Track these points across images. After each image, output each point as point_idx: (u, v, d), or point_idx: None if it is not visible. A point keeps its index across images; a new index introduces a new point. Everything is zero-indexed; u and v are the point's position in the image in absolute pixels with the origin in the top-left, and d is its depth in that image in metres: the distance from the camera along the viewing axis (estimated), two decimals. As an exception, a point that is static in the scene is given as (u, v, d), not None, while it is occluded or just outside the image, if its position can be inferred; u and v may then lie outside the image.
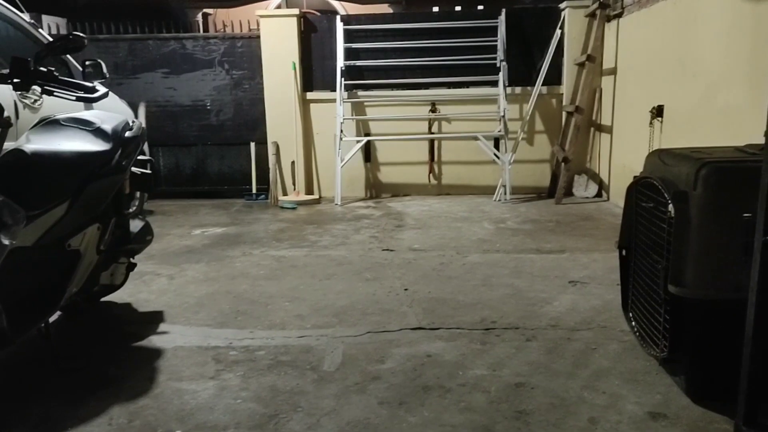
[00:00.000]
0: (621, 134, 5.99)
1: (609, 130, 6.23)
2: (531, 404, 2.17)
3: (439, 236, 4.87)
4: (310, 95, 6.84)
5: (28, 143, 2.53)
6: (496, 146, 6.56)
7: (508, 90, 6.52)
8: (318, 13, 7.23)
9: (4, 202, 2.13)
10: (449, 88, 6.75)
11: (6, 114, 2.15)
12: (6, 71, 2.19)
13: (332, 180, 6.58)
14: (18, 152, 2.40)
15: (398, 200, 6.64)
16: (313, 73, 6.88)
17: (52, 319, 2.76)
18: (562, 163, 6.32)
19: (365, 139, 6.68)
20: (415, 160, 6.88)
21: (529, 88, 6.66)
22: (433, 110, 6.79)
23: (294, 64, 6.65)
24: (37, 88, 2.32)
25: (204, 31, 8.20)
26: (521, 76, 6.68)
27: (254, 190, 6.85)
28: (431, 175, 6.90)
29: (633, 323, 2.63)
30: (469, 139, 6.59)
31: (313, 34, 6.83)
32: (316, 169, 6.96)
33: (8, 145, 2.25)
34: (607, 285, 3.47)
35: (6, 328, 2.18)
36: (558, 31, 6.55)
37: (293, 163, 6.81)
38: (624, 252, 2.70)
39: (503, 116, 6.37)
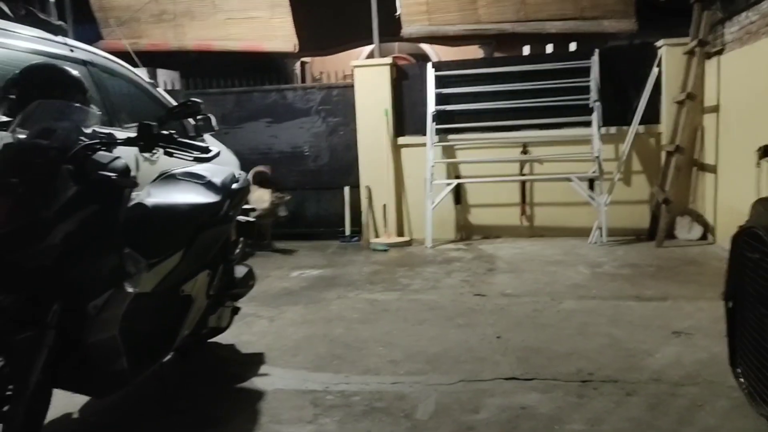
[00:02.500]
0: (726, 174, 5.71)
1: (713, 169, 5.96)
2: (632, 464, 2.10)
3: (533, 281, 4.81)
4: (401, 140, 7.01)
5: (148, 197, 2.78)
6: (591, 187, 6.42)
7: (603, 130, 6.40)
8: (412, 59, 7.43)
9: (130, 254, 2.36)
10: (541, 129, 6.71)
11: (132, 174, 2.39)
12: (134, 135, 2.45)
13: (423, 222, 6.66)
14: (140, 206, 2.64)
15: (489, 242, 6.62)
16: (405, 118, 7.05)
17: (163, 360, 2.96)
18: (663, 205, 6.08)
19: (456, 181, 6.74)
20: (507, 202, 6.85)
21: (624, 127, 6.50)
22: (525, 152, 6.76)
23: (386, 110, 6.86)
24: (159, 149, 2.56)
25: (302, 80, 8.63)
26: (616, 115, 6.54)
27: (348, 232, 7.05)
28: (523, 216, 6.84)
29: (741, 379, 2.49)
30: (562, 180, 6.49)
31: (404, 81, 7.03)
32: (407, 212, 7.08)
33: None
34: (715, 336, 3.29)
35: (126, 370, 2.38)
36: (655, 69, 6.39)
37: (385, 206, 6.96)
38: (731, 303, 2.58)
39: (598, 156, 6.25)
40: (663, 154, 6.46)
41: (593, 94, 6.45)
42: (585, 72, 6.52)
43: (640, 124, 6.41)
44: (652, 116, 6.49)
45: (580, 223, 6.55)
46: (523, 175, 6.79)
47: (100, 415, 2.71)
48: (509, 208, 6.86)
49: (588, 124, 6.44)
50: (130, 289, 2.34)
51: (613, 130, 6.57)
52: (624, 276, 4.83)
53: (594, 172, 6.28)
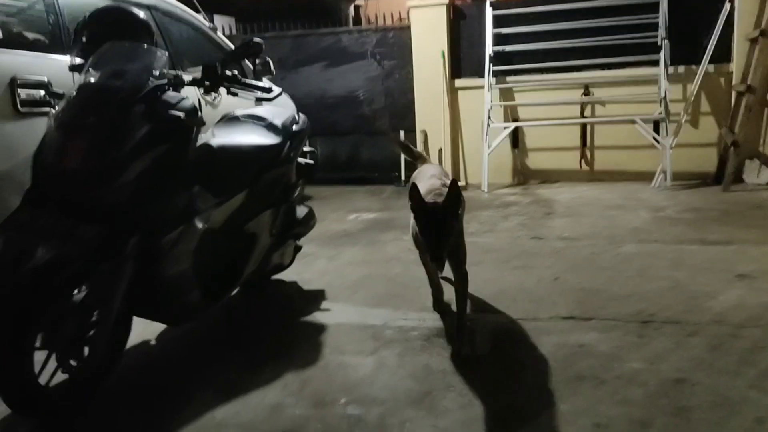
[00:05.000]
0: (803, 114, 5.41)
1: (788, 110, 5.65)
2: (692, 401, 2.11)
3: (591, 225, 4.74)
4: (458, 83, 6.90)
5: (213, 138, 2.87)
6: (656, 130, 6.20)
7: (670, 69, 6.13)
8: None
9: (199, 191, 2.46)
10: (604, 69, 6.47)
11: (199, 114, 2.46)
12: (199, 76, 2.50)
13: (479, 167, 6.61)
14: (207, 147, 2.73)
15: (547, 187, 6.52)
16: (462, 60, 6.92)
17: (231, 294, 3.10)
18: (731, 147, 5.84)
19: (513, 125, 6.62)
20: (566, 146, 6.71)
21: (693, 66, 6.21)
22: (587, 93, 6.56)
23: (443, 52, 6.74)
24: (222, 90, 2.62)
25: (355, 23, 8.54)
26: (684, 54, 6.24)
27: (403, 177, 7.07)
28: (583, 160, 6.69)
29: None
30: (625, 122, 6.29)
31: (461, 21, 6.87)
32: (463, 156, 7.03)
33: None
34: (782, 281, 3.21)
35: (198, 301, 2.52)
36: (727, 5, 6.02)
37: (440, 150, 6.92)
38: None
39: (664, 97, 6.01)
40: (733, 95, 6.16)
41: (661, 31, 6.15)
42: (652, 8, 6.21)
43: (709, 63, 6.10)
44: (722, 55, 6.16)
45: (643, 167, 6.37)
46: (584, 117, 6.61)
47: (175, 343, 2.88)
48: (568, 152, 6.72)
49: (654, 63, 6.17)
50: (199, 225, 2.46)
51: (680, 69, 6.29)
52: (687, 220, 4.71)
53: (659, 113, 6.06)
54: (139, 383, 2.49)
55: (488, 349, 2.62)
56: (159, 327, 2.87)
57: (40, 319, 2.02)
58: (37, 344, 2.04)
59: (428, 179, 2.72)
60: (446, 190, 2.37)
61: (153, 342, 2.86)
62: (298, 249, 3.58)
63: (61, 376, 2.14)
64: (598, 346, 2.59)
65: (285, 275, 3.67)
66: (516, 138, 6.78)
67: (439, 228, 2.30)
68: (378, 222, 5.29)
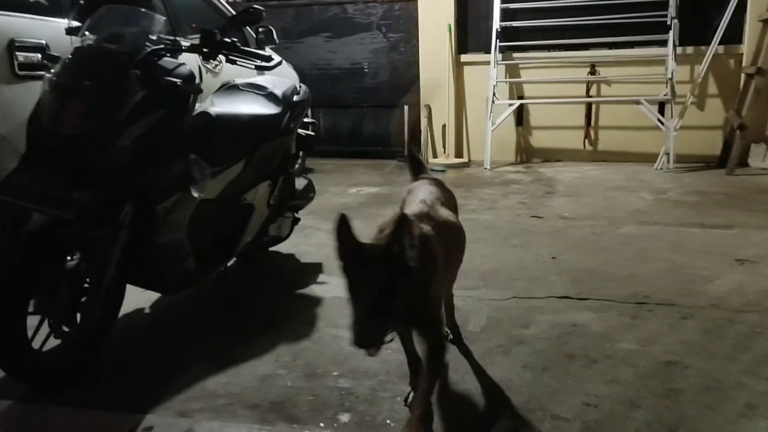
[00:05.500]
0: (812, 99, 5.34)
1: (797, 94, 5.58)
2: (683, 383, 2.11)
3: (592, 205, 4.72)
4: (464, 58, 6.82)
5: (212, 106, 2.84)
6: (661, 111, 6.14)
7: (679, 50, 6.04)
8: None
9: (195, 160, 2.43)
10: (611, 48, 6.39)
11: (197, 81, 2.43)
12: (197, 42, 2.46)
13: (482, 143, 6.56)
14: (205, 115, 2.70)
15: (549, 166, 6.48)
16: (468, 35, 6.83)
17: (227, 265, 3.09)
18: (737, 131, 5.78)
19: (518, 102, 6.55)
20: (570, 125, 6.65)
21: (702, 47, 6.11)
22: (593, 72, 6.48)
23: (449, 26, 6.65)
24: (221, 57, 2.58)
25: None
26: (694, 34, 6.14)
27: (406, 152, 7.02)
28: (586, 140, 6.64)
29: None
30: (630, 103, 6.22)
31: (469, -5, 6.76)
32: (466, 133, 6.98)
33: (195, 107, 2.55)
34: (781, 266, 3.20)
35: (193, 271, 2.51)
36: (741, -16, 5.92)
37: (444, 125, 6.87)
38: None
39: (671, 78, 5.93)
40: (742, 77, 6.08)
41: (671, 10, 6.05)
42: (664, -14, 6.09)
43: (719, 43, 6.00)
44: (733, 36, 6.06)
45: (646, 149, 6.32)
46: (590, 96, 6.54)
47: (170, 312, 2.89)
48: (572, 131, 6.67)
49: (662, 43, 6.08)
50: (195, 194, 2.44)
51: (689, 50, 6.20)
52: (689, 203, 4.68)
53: (665, 94, 5.99)
54: (132, 351, 2.50)
55: (483, 326, 2.62)
56: (153, 295, 2.87)
57: (33, 284, 2.02)
58: (31, 309, 2.05)
59: (417, 204, 1.97)
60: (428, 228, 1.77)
61: (147, 310, 2.87)
62: (296, 221, 3.57)
63: (54, 342, 2.14)
64: (591, 326, 2.58)
65: (283, 247, 3.66)
66: (520, 116, 6.72)
67: (375, 291, 1.47)
68: (379, 197, 5.27)
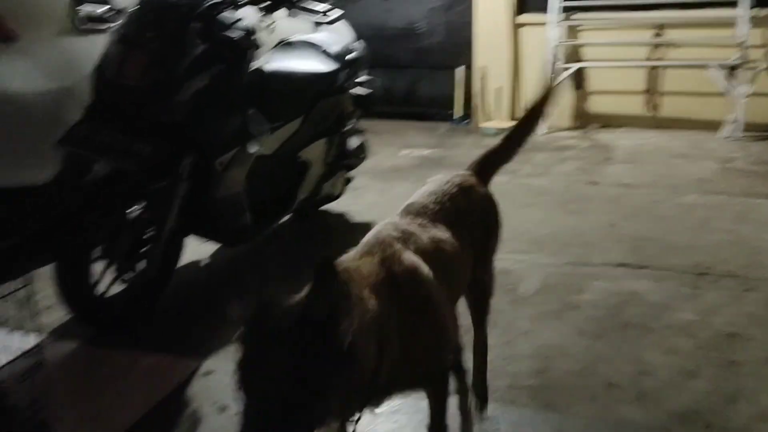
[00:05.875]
0: None
1: None
2: (744, 356, 2.04)
3: (653, 173, 4.56)
4: (521, 18, 6.61)
5: (268, 63, 2.84)
6: (730, 76, 5.83)
7: (753, 12, 5.69)
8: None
9: (253, 116, 2.45)
10: (678, 9, 6.06)
11: (254, 37, 2.43)
12: None
13: (538, 107, 6.38)
14: (263, 71, 2.70)
15: (608, 131, 6.28)
16: (527, -6, 6.60)
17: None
18: (814, 98, 5.45)
19: (577, 65, 6.33)
20: (632, 89, 6.39)
21: (780, 9, 5.74)
22: (658, 34, 6.18)
23: (508, -16, 6.44)
24: (277, 14, 2.57)
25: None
26: (772, -6, 5.76)
27: (459, 115, 6.92)
28: (648, 105, 6.38)
29: None
30: (697, 67, 5.93)
31: (530, -48, 6.51)
32: (521, 96, 6.80)
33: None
34: None
35: (250, 225, 2.56)
36: (829, -61, 5.50)
37: (498, 88, 6.72)
38: None
39: (743, 42, 5.61)
40: (823, 41, 5.70)
41: (747, -31, 5.68)
42: (741, -58, 5.72)
43: (799, 5, 5.63)
44: (814, -4, 5.66)
45: (713, 116, 6.03)
46: (654, 60, 6.26)
47: (227, 264, 2.96)
48: (634, 96, 6.41)
49: (734, 3, 5.74)
50: (252, 150, 2.46)
51: (763, 12, 5.83)
52: (757, 173, 4.47)
53: (736, 59, 5.68)
54: (191, 299, 2.58)
55: (535, 290, 2.59)
56: (212, 247, 2.94)
57: (98, 232, 2.09)
58: (96, 256, 2.13)
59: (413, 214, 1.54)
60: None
61: (206, 260, 2.95)
62: (348, 180, 3.58)
63: (117, 289, 2.23)
64: (649, 295, 2.52)
65: (334, 206, 3.68)
66: (579, 79, 6.50)
67: (278, 382, 0.93)
68: (430, 159, 5.22)
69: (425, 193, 1.65)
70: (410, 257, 1.31)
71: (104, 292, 2.17)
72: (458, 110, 6.89)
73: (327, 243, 3.28)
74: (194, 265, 2.89)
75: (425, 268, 1.31)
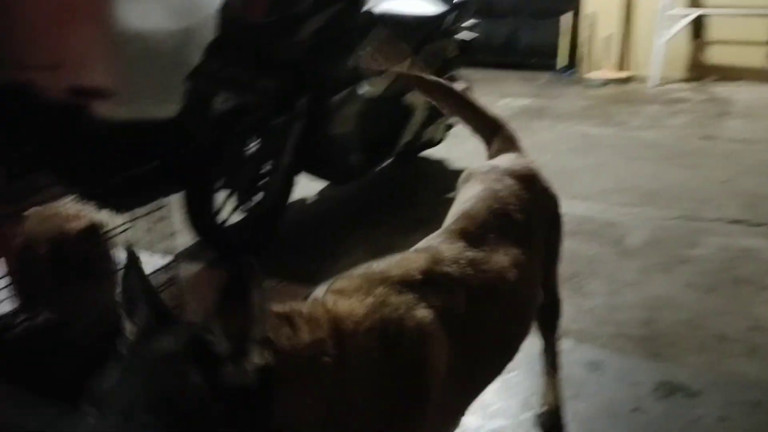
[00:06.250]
0: None
1: None
2: None
3: (773, 129, 4.26)
4: (637, -39, 6.22)
5: (380, 5, 2.85)
6: None
7: None
8: None
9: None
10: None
11: None
12: None
13: (649, 57, 6.05)
14: (371, 13, 2.72)
15: (725, 85, 5.88)
16: (645, -66, 6.18)
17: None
18: None
19: (696, 12, 5.92)
20: (753, 39, 5.92)
21: None
22: (791, -21, 5.65)
23: (624, -76, 6.05)
24: None
25: None
26: None
27: (563, 64, 6.67)
28: (773, 58, 5.90)
29: None
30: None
31: None
32: (632, 45, 6.46)
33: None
34: None
35: (358, 164, 2.64)
36: None
37: (608, 36, 6.40)
38: None
39: None
40: None
41: None
42: None
43: None
44: None
45: None
46: (784, 7, 5.75)
47: (335, 201, 3.08)
48: (756, 47, 5.94)
49: None
50: (363, 90, 2.52)
51: None
52: None
53: None
54: (302, 232, 2.70)
55: (643, 243, 2.53)
56: (320, 185, 3.06)
57: (222, 164, 2.23)
58: (219, 187, 2.27)
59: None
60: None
61: (316, 197, 3.07)
62: (449, 127, 3.58)
63: (236, 218, 2.38)
64: (764, 252, 2.41)
65: (433, 152, 3.71)
66: (697, 27, 6.07)
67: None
68: (530, 109, 5.11)
69: (483, 197, 1.18)
70: (422, 322, 0.87)
71: (225, 221, 2.32)
72: (562, 59, 6.65)
73: (425, 188, 3.32)
74: (306, 200, 3.02)
75: (438, 349, 0.88)
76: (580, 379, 1.71)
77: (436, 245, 1.05)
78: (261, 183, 2.34)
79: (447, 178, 3.45)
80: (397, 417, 0.83)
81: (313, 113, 2.34)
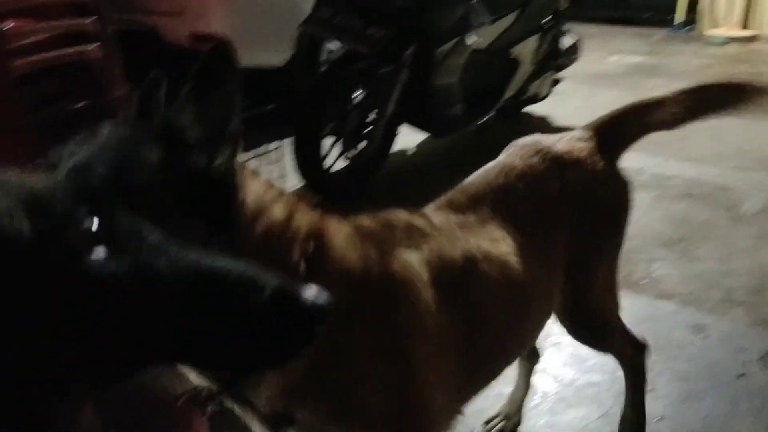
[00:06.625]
0: None
1: None
2: None
3: None
4: None
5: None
6: None
7: None
8: None
9: (476, 6, 2.46)
10: None
11: None
12: None
13: (780, 14, 5.55)
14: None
15: None
16: None
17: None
18: None
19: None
20: None
21: None
22: None
23: None
24: None
25: None
26: None
27: (681, 20, 6.25)
28: None
29: None
30: None
31: None
32: (758, 1, 5.94)
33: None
34: None
35: (460, 116, 2.64)
36: None
37: (733, -10, 5.92)
38: None
39: None
40: None
41: None
42: None
43: None
44: None
45: None
46: None
47: (433, 153, 3.10)
48: None
49: None
50: (470, 41, 2.50)
51: None
52: None
53: None
54: (400, 182, 2.75)
55: (759, 209, 2.39)
56: (420, 137, 3.08)
57: (330, 110, 2.30)
58: (326, 133, 2.35)
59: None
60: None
61: (414, 149, 3.11)
62: (556, 82, 3.48)
63: (341, 165, 2.46)
64: None
65: (537, 108, 3.63)
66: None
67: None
68: (642, 66, 4.86)
69: (490, 170, 1.11)
70: (408, 264, 0.86)
71: (330, 166, 2.41)
72: (680, 15, 6.23)
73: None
74: (405, 151, 3.06)
75: (423, 293, 0.86)
76: (682, 342, 1.68)
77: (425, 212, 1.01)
78: (365, 131, 2.40)
79: (549, 133, 3.37)
80: (381, 352, 0.80)
81: (419, 63, 2.35)
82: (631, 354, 1.27)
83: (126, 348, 0.42)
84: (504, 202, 1.03)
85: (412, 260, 0.86)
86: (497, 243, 0.98)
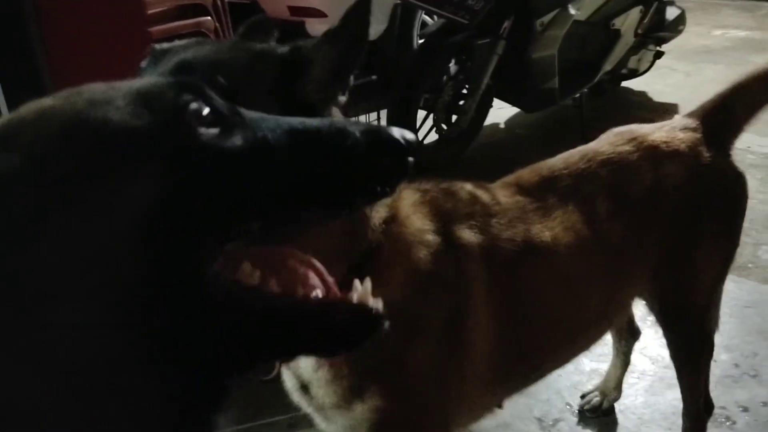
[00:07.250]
0: None
1: None
2: None
3: None
4: None
5: None
6: None
7: None
8: None
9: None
10: None
11: None
12: None
13: None
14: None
15: None
16: None
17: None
18: None
19: None
20: None
21: None
22: None
23: None
24: None
25: None
26: None
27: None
28: None
29: None
30: None
31: None
32: None
33: None
34: None
35: (556, 90, 2.58)
36: None
37: None
38: None
39: None
40: None
41: None
42: None
43: None
44: None
45: None
46: None
47: (523, 129, 3.05)
48: None
49: None
50: (572, 12, 2.43)
51: None
52: None
53: None
54: (488, 156, 2.73)
55: None
56: (511, 112, 3.04)
57: (426, 82, 2.30)
58: (420, 105, 2.36)
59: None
60: None
61: (502, 125, 3.07)
62: (658, 55, 3.32)
63: (434, 137, 2.47)
64: None
65: (636, 83, 3.48)
66: None
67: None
68: (749, 41, 4.56)
69: (573, 153, 1.02)
70: (462, 239, 0.82)
71: (424, 138, 2.42)
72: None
73: (623, 121, 3.15)
74: (495, 126, 3.03)
75: (474, 270, 0.82)
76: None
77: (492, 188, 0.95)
78: (459, 104, 2.39)
79: (647, 111, 3.25)
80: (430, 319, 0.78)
81: (517, 35, 2.30)
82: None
83: (247, 209, 0.45)
84: (579, 189, 0.95)
85: (468, 236, 0.82)
86: (559, 232, 0.91)
